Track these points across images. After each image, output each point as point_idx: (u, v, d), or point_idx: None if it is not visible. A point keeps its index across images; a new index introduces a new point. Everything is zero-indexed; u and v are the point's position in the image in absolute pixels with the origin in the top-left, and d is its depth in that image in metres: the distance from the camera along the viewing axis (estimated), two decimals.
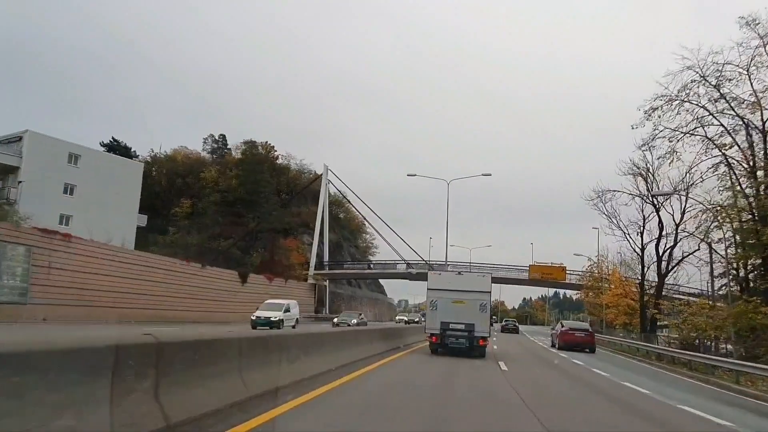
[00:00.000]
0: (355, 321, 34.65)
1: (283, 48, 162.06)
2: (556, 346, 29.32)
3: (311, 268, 57.94)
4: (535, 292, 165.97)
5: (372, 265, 64.26)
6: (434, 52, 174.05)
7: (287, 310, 30.78)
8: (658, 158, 23.60)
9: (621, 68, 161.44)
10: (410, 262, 57.16)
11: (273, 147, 79.74)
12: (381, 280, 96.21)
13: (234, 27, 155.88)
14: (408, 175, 44.38)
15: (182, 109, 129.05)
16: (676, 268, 34.22)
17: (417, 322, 47.16)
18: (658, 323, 34.86)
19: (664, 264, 33.32)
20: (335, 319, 35.43)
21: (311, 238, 63.52)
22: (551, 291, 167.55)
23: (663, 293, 35.94)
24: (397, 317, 55.32)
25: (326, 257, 61.62)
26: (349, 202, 73.33)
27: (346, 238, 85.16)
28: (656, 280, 35.79)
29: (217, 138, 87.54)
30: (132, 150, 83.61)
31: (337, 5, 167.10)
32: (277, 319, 28.87)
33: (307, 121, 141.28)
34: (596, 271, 48.01)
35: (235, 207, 72.90)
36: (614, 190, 33.72)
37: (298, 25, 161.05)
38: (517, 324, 57.42)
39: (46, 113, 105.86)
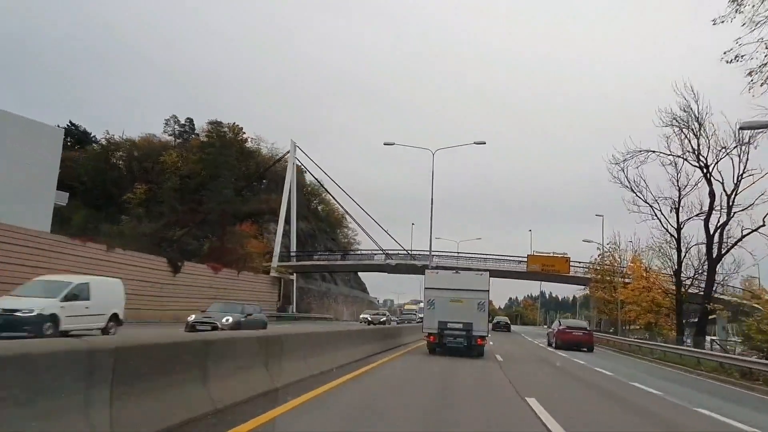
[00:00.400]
0: (229, 320, 18.93)
1: (283, 48, 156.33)
2: (554, 345, 27.28)
3: (275, 258, 48.69)
4: (522, 291, 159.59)
5: (347, 256, 54.29)
6: (434, 53, 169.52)
7: (74, 297, 15.17)
8: (748, 73, 15.33)
9: (621, 68, 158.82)
10: (390, 252, 48.35)
11: (241, 129, 71.03)
12: (363, 278, 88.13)
13: (234, 28, 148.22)
14: (385, 144, 35.72)
15: (182, 110, 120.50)
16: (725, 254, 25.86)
17: (384, 323, 37.79)
18: (708, 322, 26.49)
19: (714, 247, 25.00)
20: (191, 317, 19.67)
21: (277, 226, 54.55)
22: (537, 290, 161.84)
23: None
24: (361, 316, 43.82)
25: (293, 247, 52.47)
26: (327, 191, 64.67)
27: (324, 231, 76.47)
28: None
29: (183, 122, 78.26)
30: (92, 135, 75.28)
31: (337, 6, 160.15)
32: (34, 313, 13.57)
33: (307, 121, 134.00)
34: (608, 262, 39.63)
35: (198, 193, 64.34)
36: (650, 150, 25.45)
37: (299, 25, 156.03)
38: (509, 322, 55.06)
39: (44, 108, 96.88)
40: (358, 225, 54.30)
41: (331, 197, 65.20)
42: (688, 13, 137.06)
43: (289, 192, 50.97)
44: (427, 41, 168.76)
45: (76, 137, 71.30)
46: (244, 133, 70.57)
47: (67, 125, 70.79)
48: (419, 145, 36.77)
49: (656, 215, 27.66)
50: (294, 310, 49.24)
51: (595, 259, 41.57)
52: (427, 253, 43.68)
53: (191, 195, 64.02)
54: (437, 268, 27.12)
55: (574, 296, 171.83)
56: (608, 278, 38.69)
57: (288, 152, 52.54)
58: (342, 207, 58.59)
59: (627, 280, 37.15)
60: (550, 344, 28.55)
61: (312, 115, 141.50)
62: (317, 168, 54.33)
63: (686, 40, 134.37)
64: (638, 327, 38.15)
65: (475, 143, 35.13)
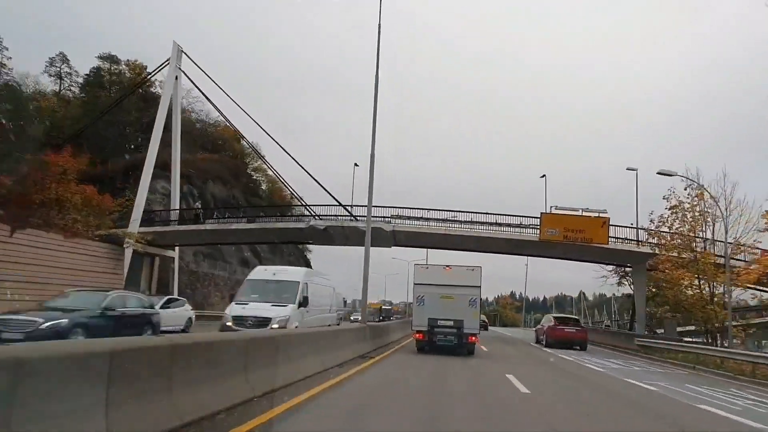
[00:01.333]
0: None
1: (283, 48, 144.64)
2: (544, 342, 24.83)
3: (133, 220, 28.32)
4: (493, 290, 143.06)
5: (257, 219, 33.12)
6: (431, 55, 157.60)
7: None
8: None
9: (621, 69, 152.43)
10: (321, 214, 29.00)
11: (145, 67, 51.17)
12: (325, 270, 68.68)
13: (237, 27, 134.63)
14: None
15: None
16: None
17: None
18: None
19: None
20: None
21: (169, 185, 34.66)
22: (509, 288, 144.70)
23: None
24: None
25: (175, 204, 32.36)
26: (259, 155, 45.16)
27: (257, 206, 56.82)
28: None
29: (88, 73, 57.25)
30: None
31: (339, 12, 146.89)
32: None
33: (308, 119, 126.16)
34: (691, 215, 21.29)
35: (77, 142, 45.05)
36: None
37: (300, 25, 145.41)
38: (486, 320, 52.73)
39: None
40: (277, 175, 34.66)
41: (265, 163, 45.28)
42: (688, 13, 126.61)
43: (167, 117, 31.11)
44: (426, 42, 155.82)
45: None
46: (149, 73, 50.71)
47: None
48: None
49: None
50: None
51: (664, 217, 23.28)
52: (381, 216, 25.07)
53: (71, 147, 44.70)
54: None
55: (544, 296, 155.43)
56: (698, 250, 20.42)
57: (168, 61, 32.39)
58: (273, 169, 38.51)
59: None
60: (539, 342, 26.40)
61: (313, 114, 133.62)
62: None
63: (686, 40, 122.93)
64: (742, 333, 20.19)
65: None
